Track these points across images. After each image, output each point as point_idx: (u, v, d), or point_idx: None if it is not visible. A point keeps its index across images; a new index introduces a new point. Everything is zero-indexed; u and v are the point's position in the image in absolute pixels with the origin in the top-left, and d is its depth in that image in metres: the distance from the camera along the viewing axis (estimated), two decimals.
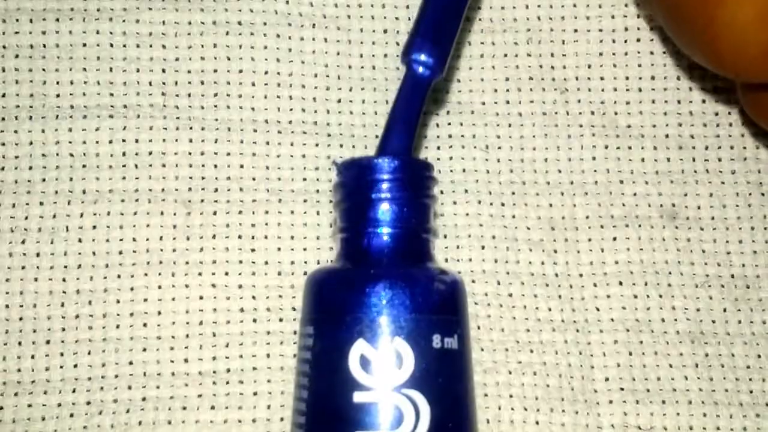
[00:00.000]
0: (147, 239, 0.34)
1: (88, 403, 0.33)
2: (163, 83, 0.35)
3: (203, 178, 0.34)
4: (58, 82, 0.35)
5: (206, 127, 0.35)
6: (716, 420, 0.33)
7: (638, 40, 0.36)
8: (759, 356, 0.34)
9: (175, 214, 0.34)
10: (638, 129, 0.36)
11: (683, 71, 0.36)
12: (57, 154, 0.34)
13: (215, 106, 0.35)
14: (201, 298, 0.34)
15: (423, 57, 0.29)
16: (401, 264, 0.28)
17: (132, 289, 0.33)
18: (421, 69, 0.29)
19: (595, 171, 0.36)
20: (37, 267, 0.33)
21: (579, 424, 0.33)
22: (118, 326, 0.33)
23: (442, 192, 0.35)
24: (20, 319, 0.33)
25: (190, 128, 0.35)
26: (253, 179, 0.35)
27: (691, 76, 0.36)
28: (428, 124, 0.36)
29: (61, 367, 0.33)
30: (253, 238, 0.34)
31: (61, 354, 0.33)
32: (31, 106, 0.34)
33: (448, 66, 0.30)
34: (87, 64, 0.35)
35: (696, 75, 0.36)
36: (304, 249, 0.34)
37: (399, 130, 0.29)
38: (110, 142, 0.34)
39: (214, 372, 0.33)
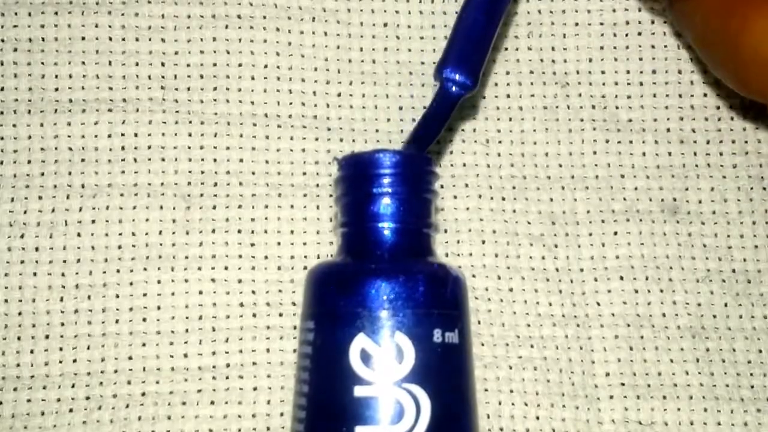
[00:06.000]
0: (146, 234, 0.34)
1: (88, 398, 0.33)
2: (163, 77, 0.35)
3: (203, 172, 0.34)
4: (56, 76, 0.34)
5: (205, 121, 0.35)
6: (717, 415, 0.33)
7: (639, 33, 0.36)
8: (760, 351, 0.34)
9: (174, 209, 0.34)
10: (639, 123, 0.36)
11: (684, 65, 0.36)
12: (56, 148, 0.34)
13: (215, 100, 0.35)
14: (200, 292, 0.34)
15: (456, 76, 0.30)
16: (402, 259, 0.28)
17: (131, 283, 0.33)
18: (454, 88, 0.30)
19: (595, 165, 0.35)
20: (36, 261, 0.33)
21: (579, 419, 0.33)
22: (117, 321, 0.33)
23: (442, 186, 0.35)
24: (19, 313, 0.33)
25: (190, 122, 0.35)
26: (253, 173, 0.34)
27: (693, 70, 0.36)
28: None
29: (60, 362, 0.33)
30: (252, 232, 0.34)
31: (60, 349, 0.33)
32: (29, 100, 0.34)
33: (479, 81, 0.30)
34: (86, 58, 0.35)
35: (697, 69, 0.36)
36: (304, 243, 0.34)
37: (420, 141, 0.30)
38: (109, 136, 0.34)
39: (214, 367, 0.33)
